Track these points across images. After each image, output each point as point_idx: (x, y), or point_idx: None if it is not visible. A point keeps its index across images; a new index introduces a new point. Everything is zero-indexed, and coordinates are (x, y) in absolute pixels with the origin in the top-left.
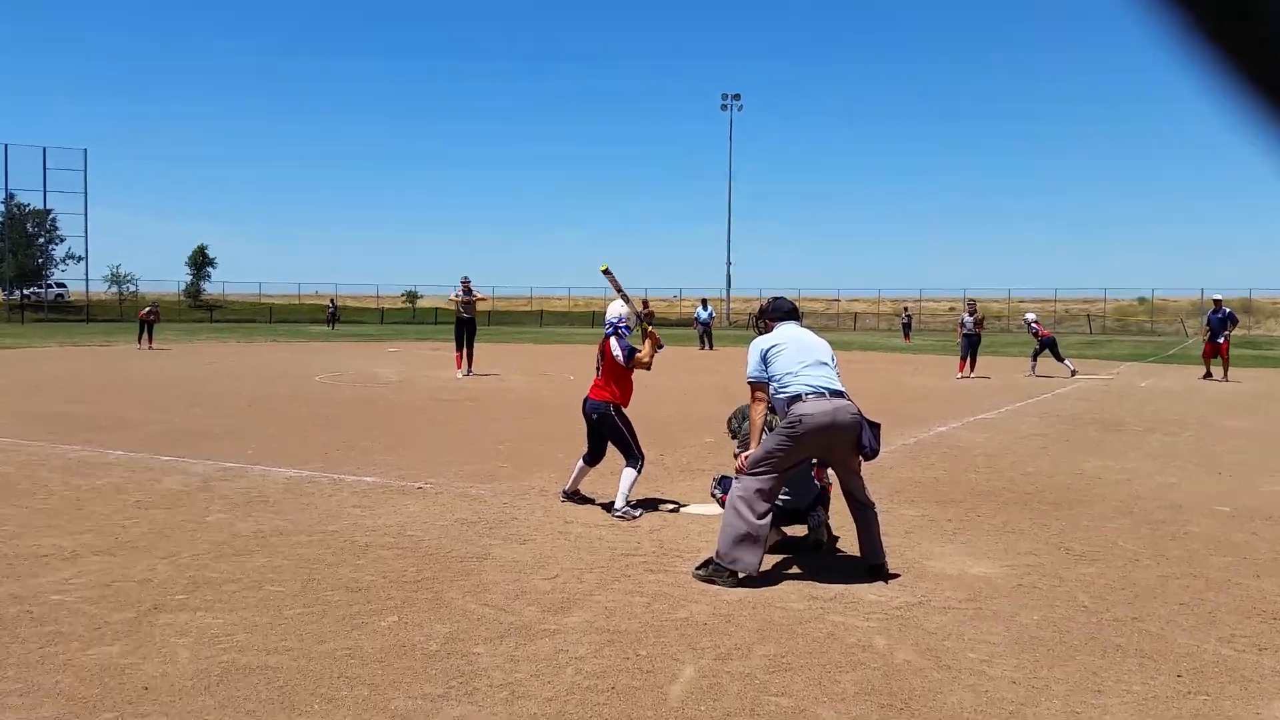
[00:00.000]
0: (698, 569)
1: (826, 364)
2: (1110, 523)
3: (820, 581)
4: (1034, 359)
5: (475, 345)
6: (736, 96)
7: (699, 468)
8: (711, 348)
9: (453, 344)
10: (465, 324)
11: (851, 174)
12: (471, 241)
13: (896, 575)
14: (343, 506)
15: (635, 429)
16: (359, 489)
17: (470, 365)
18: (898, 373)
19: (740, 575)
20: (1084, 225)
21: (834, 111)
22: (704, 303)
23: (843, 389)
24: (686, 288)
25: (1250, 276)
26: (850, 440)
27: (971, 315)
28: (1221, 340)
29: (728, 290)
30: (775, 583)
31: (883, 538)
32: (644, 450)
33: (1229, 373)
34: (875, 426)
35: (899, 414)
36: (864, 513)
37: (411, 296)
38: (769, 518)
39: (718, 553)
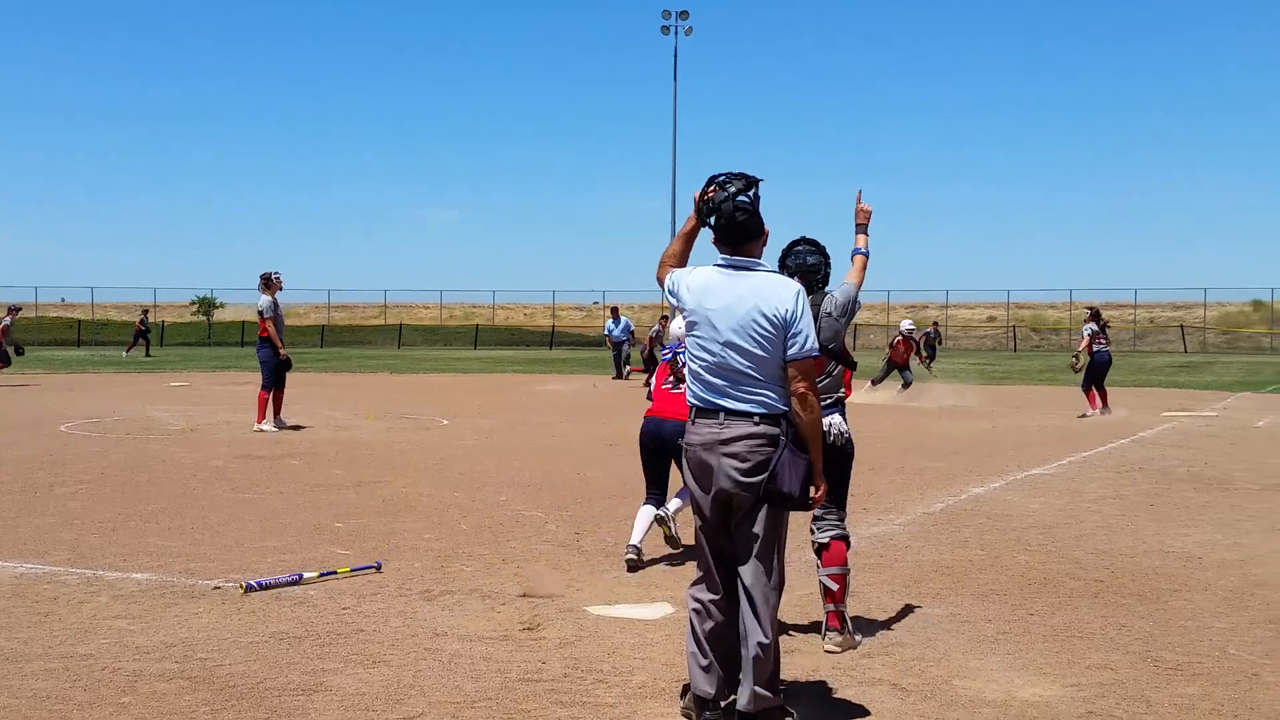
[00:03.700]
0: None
1: (740, 358)
2: (1217, 622)
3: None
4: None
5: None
6: (683, 14)
7: None
8: (618, 374)
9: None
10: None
11: (846, 128)
12: (294, 226)
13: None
14: (100, 617)
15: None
16: (124, 591)
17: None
18: (917, 412)
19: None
20: (1174, 202)
21: (821, 35)
22: (614, 313)
23: (759, 405)
24: (611, 291)
25: None
26: (747, 499)
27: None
28: None
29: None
30: None
31: (885, 650)
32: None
33: None
34: (800, 462)
35: (917, 470)
36: (739, 596)
37: (206, 305)
38: (710, 633)
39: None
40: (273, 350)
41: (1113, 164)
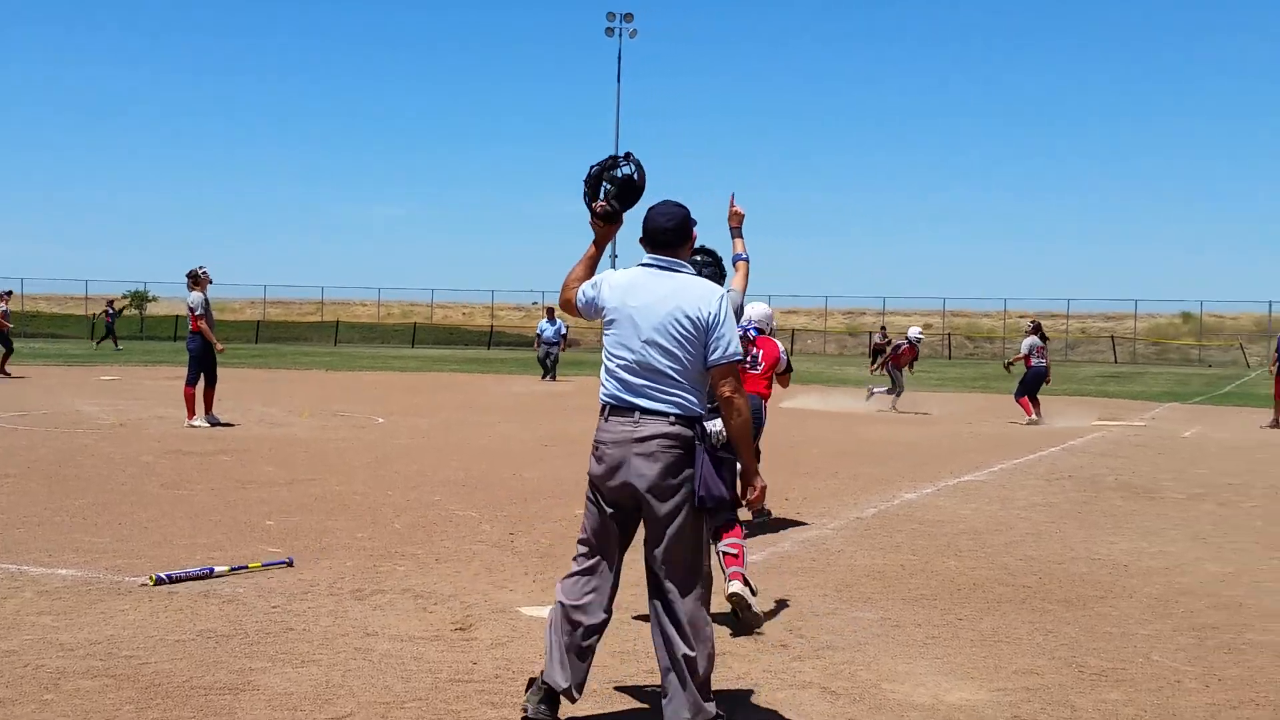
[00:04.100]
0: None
1: (660, 356)
2: (1142, 629)
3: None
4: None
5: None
6: (628, 16)
7: (565, 553)
8: (553, 377)
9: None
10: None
11: (789, 135)
12: (230, 220)
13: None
14: (23, 614)
15: None
16: (49, 587)
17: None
18: (852, 417)
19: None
20: (1107, 214)
21: (765, 38)
22: (550, 314)
23: (675, 406)
24: (550, 292)
25: None
26: (657, 502)
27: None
28: None
29: None
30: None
31: (816, 654)
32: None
33: None
34: (720, 460)
35: (851, 475)
36: (657, 605)
37: (139, 298)
38: (579, 629)
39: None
40: (204, 343)
41: (1048, 174)
